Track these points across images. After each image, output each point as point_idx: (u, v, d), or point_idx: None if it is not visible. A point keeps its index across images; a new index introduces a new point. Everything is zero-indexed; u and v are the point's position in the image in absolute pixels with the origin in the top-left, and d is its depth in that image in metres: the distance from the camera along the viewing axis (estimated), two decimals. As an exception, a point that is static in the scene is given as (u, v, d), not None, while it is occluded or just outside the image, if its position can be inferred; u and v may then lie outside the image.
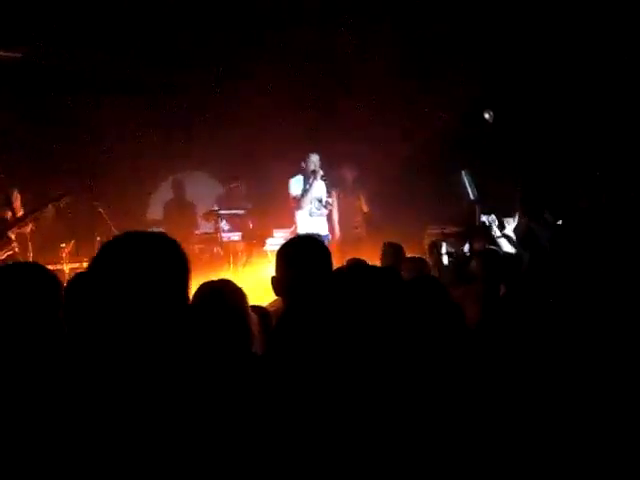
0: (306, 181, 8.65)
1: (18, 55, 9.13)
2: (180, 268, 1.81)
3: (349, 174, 9.79)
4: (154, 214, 10.74)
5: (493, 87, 9.56)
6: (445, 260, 6.50)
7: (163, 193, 10.79)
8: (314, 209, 8.74)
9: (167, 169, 10.57)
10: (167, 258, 1.78)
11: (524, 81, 9.23)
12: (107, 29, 8.78)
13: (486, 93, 9.65)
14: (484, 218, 5.99)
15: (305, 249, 2.72)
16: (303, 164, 8.66)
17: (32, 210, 7.45)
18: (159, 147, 9.76)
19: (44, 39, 8.89)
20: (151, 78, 9.72)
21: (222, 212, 9.42)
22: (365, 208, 9.57)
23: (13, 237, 7.22)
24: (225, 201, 9.92)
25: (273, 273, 2.80)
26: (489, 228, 5.87)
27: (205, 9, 8.76)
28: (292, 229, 9.39)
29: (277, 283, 2.73)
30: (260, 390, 2.02)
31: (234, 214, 9.53)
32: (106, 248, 1.78)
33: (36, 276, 2.50)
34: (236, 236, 9.41)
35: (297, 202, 8.67)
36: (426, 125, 9.44)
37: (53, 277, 2.58)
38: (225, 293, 2.97)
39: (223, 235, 9.28)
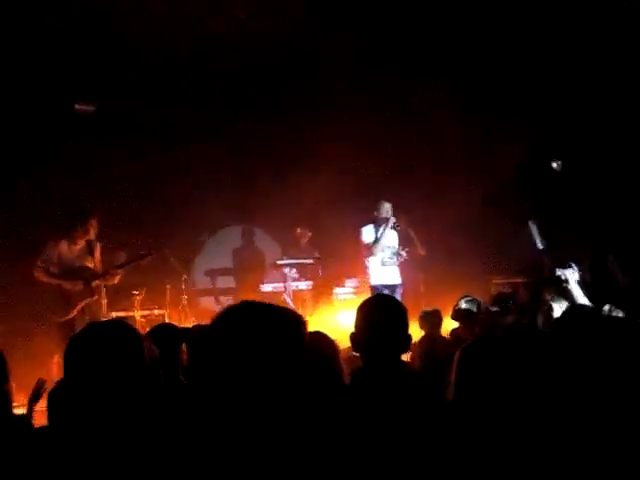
0: (377, 229, 8.66)
1: (92, 108, 9.53)
2: (296, 344, 1.88)
3: (401, 224, 9.72)
4: (215, 263, 10.88)
5: (561, 136, 9.54)
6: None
7: (222, 242, 10.95)
8: (386, 258, 8.69)
9: (224, 219, 10.73)
10: (286, 334, 1.86)
11: (592, 130, 9.19)
12: (171, 79, 9.11)
13: (554, 142, 9.63)
14: (559, 272, 5.92)
15: (383, 308, 2.80)
16: (375, 212, 8.69)
17: (119, 265, 7.66)
18: (222, 196, 9.95)
19: (116, 92, 9.27)
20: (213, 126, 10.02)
21: (290, 262, 9.55)
22: (422, 251, 9.41)
23: (94, 286, 7.45)
24: (292, 249, 10.00)
25: (340, 322, 2.90)
26: (565, 282, 5.80)
27: (272, 59, 8.97)
28: (360, 278, 9.44)
29: (355, 339, 2.80)
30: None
31: (302, 263, 9.63)
32: (227, 314, 1.89)
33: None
34: (304, 285, 9.51)
35: (368, 250, 8.64)
36: (493, 174, 9.41)
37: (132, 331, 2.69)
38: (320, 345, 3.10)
39: (291, 284, 9.40)
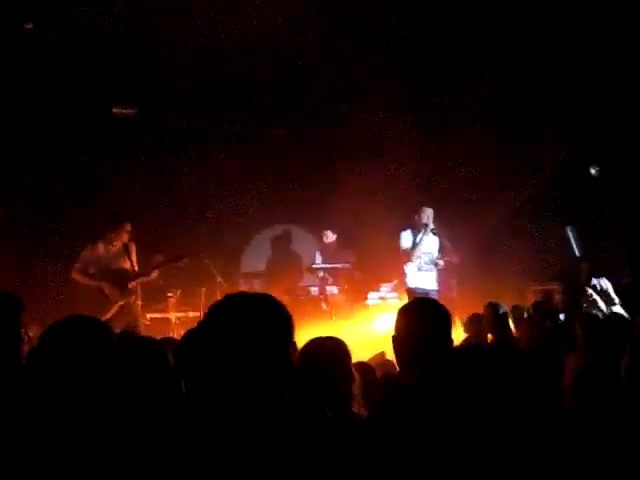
0: (416, 234, 8.60)
1: (132, 111, 9.63)
2: (283, 329, 1.91)
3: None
4: (253, 265, 10.91)
5: (599, 142, 9.42)
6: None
7: (261, 245, 10.96)
8: (423, 263, 8.61)
9: (263, 221, 10.75)
10: (270, 320, 1.90)
11: (631, 136, 9.07)
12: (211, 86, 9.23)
13: (592, 148, 9.52)
14: (595, 281, 5.82)
15: (427, 312, 2.76)
16: (417, 217, 8.61)
17: (155, 266, 7.72)
18: (257, 199, 10.03)
19: (157, 96, 9.37)
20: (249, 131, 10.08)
21: (324, 266, 9.52)
22: (455, 259, 9.25)
23: (130, 287, 7.52)
24: (326, 253, 9.93)
25: (375, 327, 2.86)
26: (601, 291, 5.70)
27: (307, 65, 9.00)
28: (394, 283, 9.36)
29: (397, 343, 2.77)
30: (356, 455, 2.04)
31: (336, 267, 9.57)
32: (213, 310, 1.91)
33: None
34: (336, 289, 9.46)
35: (406, 255, 8.57)
36: (530, 181, 9.33)
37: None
38: (328, 351, 3.08)
39: (327, 288, 9.38)
